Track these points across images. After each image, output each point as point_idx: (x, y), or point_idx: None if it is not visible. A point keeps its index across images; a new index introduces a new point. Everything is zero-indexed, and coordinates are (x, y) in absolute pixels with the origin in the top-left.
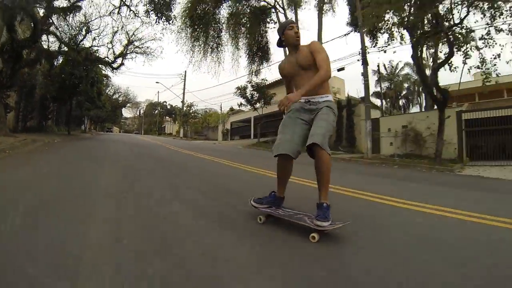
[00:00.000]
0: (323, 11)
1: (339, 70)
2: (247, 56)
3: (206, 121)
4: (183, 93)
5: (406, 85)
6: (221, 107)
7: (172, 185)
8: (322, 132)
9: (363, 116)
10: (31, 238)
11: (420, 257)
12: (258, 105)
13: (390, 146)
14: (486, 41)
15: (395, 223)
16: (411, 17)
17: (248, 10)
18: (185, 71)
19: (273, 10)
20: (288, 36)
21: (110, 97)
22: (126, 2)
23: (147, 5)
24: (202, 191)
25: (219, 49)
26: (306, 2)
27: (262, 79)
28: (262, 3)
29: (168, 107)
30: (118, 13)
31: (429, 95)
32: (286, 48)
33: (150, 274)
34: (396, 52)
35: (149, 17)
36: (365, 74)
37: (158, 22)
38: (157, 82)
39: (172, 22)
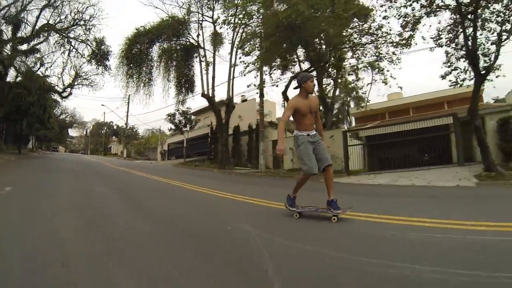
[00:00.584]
0: (233, 51)
1: (243, 101)
2: (176, 87)
3: (149, 143)
4: (127, 116)
5: None
6: (160, 130)
7: (100, 184)
8: (329, 156)
9: (270, 138)
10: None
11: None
12: (185, 129)
13: (291, 162)
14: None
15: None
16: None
17: (178, 47)
18: (129, 95)
19: (199, 48)
20: (308, 86)
21: (57, 117)
22: (75, 46)
23: (90, 56)
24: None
25: (150, 83)
26: (223, 43)
27: (187, 108)
28: (189, 43)
29: (115, 127)
30: (68, 54)
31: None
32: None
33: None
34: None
35: (91, 64)
36: (261, 105)
37: (98, 68)
38: (102, 105)
39: (109, 69)
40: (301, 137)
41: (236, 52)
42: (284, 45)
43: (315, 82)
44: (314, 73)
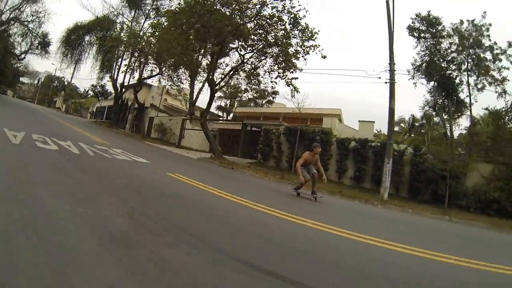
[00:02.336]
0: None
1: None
2: (99, 67)
3: (85, 104)
4: (71, 77)
5: None
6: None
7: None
8: (315, 171)
9: (149, 115)
10: None
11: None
12: (100, 98)
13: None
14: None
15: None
16: None
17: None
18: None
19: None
20: (317, 150)
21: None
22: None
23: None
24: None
25: (81, 61)
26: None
27: (107, 81)
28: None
29: (66, 83)
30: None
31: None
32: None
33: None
34: None
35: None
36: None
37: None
38: (52, 64)
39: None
40: (301, 169)
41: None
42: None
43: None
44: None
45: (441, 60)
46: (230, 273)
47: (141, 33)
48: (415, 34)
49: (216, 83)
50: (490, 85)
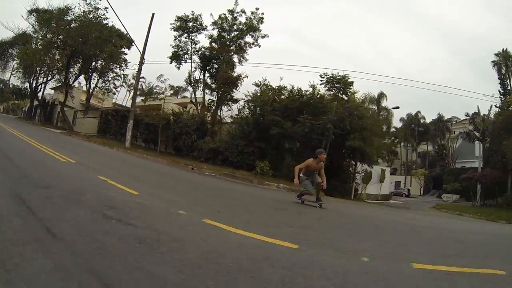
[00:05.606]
0: None
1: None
2: None
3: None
4: (8, 82)
5: None
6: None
7: None
8: (319, 179)
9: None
10: None
11: None
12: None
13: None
14: None
15: None
16: None
17: None
18: None
19: None
20: (322, 157)
21: None
22: None
23: None
24: None
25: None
26: None
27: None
28: None
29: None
30: None
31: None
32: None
33: None
34: None
35: None
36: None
37: None
38: None
39: None
40: (302, 178)
41: None
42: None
43: None
44: None
45: None
46: None
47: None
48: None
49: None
50: None
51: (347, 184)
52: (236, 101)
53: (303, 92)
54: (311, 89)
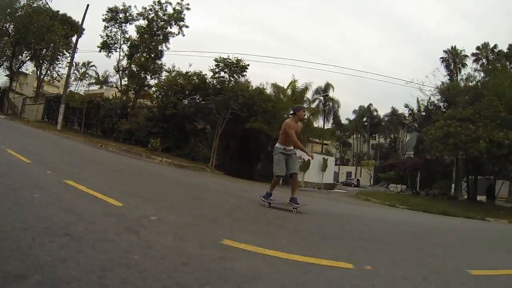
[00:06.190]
0: None
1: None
2: None
3: None
4: None
5: None
6: None
7: None
8: (296, 167)
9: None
10: None
11: None
12: None
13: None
14: None
15: None
16: None
17: None
18: None
19: None
20: (301, 115)
21: None
22: None
23: None
24: None
25: None
26: None
27: None
28: None
29: None
30: None
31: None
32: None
33: None
34: None
35: None
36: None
37: None
38: None
39: None
40: (276, 149)
41: None
42: None
43: None
44: None
45: None
46: None
47: None
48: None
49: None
50: None
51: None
52: (150, 86)
53: (199, 75)
54: (212, 73)
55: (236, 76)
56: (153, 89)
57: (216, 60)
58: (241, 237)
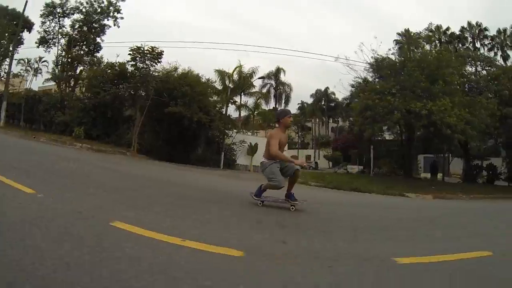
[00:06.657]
0: None
1: None
2: None
3: None
4: None
5: None
6: None
7: None
8: (296, 166)
9: None
10: None
11: None
12: None
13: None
14: None
15: None
16: None
17: None
18: None
19: None
20: (286, 122)
21: None
22: None
23: None
24: None
25: None
26: None
27: None
28: None
29: None
30: None
31: None
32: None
33: None
34: None
35: None
36: None
37: None
38: None
39: None
40: (265, 163)
41: None
42: None
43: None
44: None
45: None
46: None
47: None
48: None
49: None
50: None
51: (218, 155)
52: (83, 78)
53: (120, 65)
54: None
55: (150, 63)
56: (84, 81)
57: (130, 49)
58: None
